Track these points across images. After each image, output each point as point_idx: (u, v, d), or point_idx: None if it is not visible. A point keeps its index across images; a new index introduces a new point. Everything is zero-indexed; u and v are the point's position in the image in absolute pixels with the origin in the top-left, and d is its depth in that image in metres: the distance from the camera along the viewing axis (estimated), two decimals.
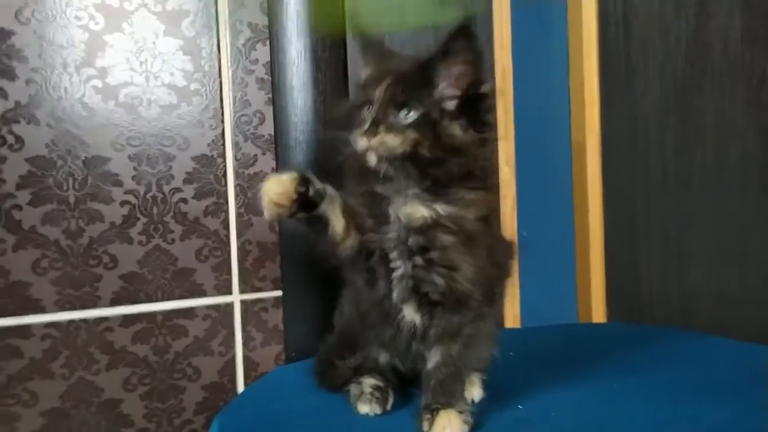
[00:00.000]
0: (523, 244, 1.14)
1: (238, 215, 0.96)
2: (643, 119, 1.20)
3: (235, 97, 0.95)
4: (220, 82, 0.94)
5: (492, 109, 0.66)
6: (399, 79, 0.64)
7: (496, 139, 0.70)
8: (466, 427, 0.64)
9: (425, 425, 0.64)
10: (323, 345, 0.80)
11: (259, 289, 0.98)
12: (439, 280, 0.65)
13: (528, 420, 0.68)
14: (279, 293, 0.98)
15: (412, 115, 0.63)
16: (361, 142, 0.63)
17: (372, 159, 0.63)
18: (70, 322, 0.90)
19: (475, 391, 0.73)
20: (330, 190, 0.65)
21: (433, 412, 0.64)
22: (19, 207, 0.87)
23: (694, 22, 1.21)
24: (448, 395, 0.65)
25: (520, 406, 0.71)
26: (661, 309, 1.19)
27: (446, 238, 0.64)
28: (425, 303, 0.66)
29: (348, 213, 0.66)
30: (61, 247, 0.89)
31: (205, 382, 0.96)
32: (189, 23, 0.93)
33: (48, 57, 0.88)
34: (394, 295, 0.67)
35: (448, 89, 0.63)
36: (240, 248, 0.96)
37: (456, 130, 0.63)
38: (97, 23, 0.89)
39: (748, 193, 1.23)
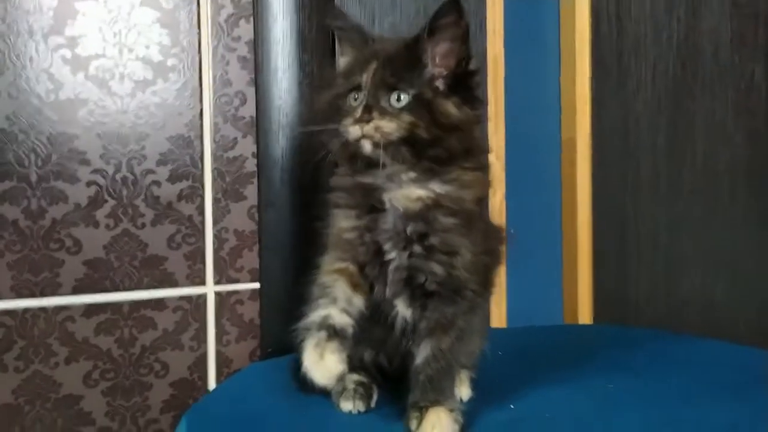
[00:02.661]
0: (511, 242, 1.11)
1: (215, 201, 0.90)
2: (634, 119, 1.18)
3: (215, 76, 0.90)
4: (200, 59, 0.89)
5: (480, 85, 0.65)
6: (386, 62, 0.62)
7: (485, 117, 0.69)
8: (456, 427, 0.61)
9: (413, 424, 0.60)
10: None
11: (235, 281, 0.92)
12: (438, 269, 0.62)
13: (523, 420, 0.65)
14: (256, 285, 0.93)
15: (404, 98, 0.61)
16: (353, 131, 0.61)
17: (367, 147, 0.61)
18: (27, 310, 0.83)
19: (463, 390, 0.70)
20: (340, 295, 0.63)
21: (422, 410, 0.61)
22: None
23: (685, 22, 1.20)
24: (438, 392, 0.62)
25: (512, 406, 0.67)
26: (648, 312, 1.17)
27: (447, 220, 0.62)
28: (419, 295, 0.63)
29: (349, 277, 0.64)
30: (20, 228, 0.82)
31: (173, 379, 0.89)
32: None
33: (12, 22, 0.81)
34: (387, 291, 0.64)
35: (436, 68, 0.62)
36: (216, 236, 0.91)
37: (451, 107, 0.62)
38: None
39: (737, 198, 1.22)
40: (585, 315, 1.14)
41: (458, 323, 0.63)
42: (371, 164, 0.62)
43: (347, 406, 0.66)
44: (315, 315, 0.61)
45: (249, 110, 0.92)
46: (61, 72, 0.83)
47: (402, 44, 0.63)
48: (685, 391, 0.73)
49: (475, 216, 0.64)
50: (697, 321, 1.18)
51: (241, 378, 0.82)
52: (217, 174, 0.90)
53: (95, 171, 0.85)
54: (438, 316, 0.63)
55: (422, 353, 0.63)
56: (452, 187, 0.63)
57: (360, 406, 0.66)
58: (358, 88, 0.62)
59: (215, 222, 0.91)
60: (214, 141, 0.90)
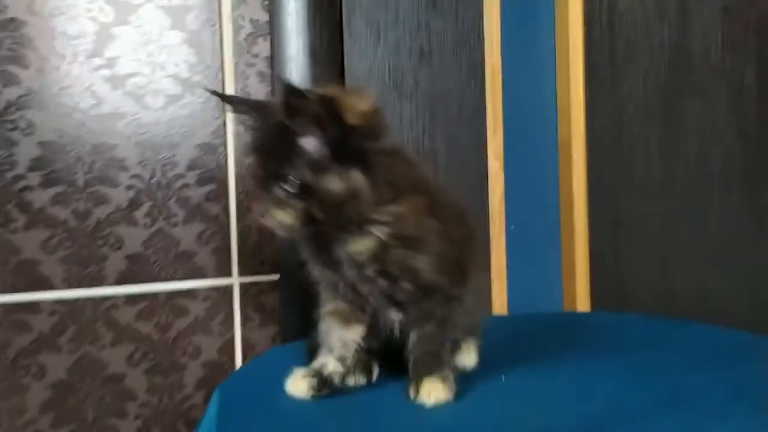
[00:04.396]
0: (511, 236, 1.19)
1: (239, 201, 1.00)
2: (627, 121, 1.23)
3: (236, 89, 1.00)
4: (223, 75, 0.99)
5: (382, 134, 0.63)
6: (262, 152, 0.63)
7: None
8: (449, 393, 0.67)
9: (411, 392, 0.68)
10: (312, 338, 0.80)
11: (257, 273, 1.02)
12: (407, 285, 0.68)
13: (512, 389, 0.71)
14: (276, 277, 1.03)
15: (292, 185, 0.60)
16: (262, 221, 0.63)
17: (279, 233, 0.64)
18: (77, 299, 0.94)
19: (471, 357, 0.76)
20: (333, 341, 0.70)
21: (418, 380, 0.68)
22: (30, 188, 0.92)
23: (676, 27, 1.25)
24: (430, 366, 0.69)
25: (503, 377, 0.74)
26: (643, 301, 1.22)
27: (396, 252, 0.66)
28: (401, 303, 0.70)
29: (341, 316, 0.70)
30: (70, 228, 0.93)
31: (205, 360, 1.00)
32: (193, 17, 0.98)
33: (59, 47, 0.92)
34: (375, 307, 0.71)
35: (311, 141, 0.60)
36: (240, 233, 1.01)
37: (332, 184, 0.61)
38: (106, 16, 0.94)
39: (730, 196, 1.25)
40: (583, 304, 1.21)
41: (437, 313, 0.69)
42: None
43: (350, 380, 0.72)
44: (316, 362, 0.71)
45: None
46: (101, 89, 0.94)
47: (270, 131, 0.62)
48: (665, 367, 0.77)
49: (421, 233, 0.67)
50: (690, 311, 1.23)
51: (266, 357, 0.90)
52: (240, 177, 1.00)
53: (133, 176, 0.96)
54: (416, 311, 0.69)
55: (411, 340, 0.69)
56: (391, 227, 0.65)
57: (361, 380, 0.72)
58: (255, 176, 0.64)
59: (239, 220, 1.01)
60: (237, 148, 1.00)
